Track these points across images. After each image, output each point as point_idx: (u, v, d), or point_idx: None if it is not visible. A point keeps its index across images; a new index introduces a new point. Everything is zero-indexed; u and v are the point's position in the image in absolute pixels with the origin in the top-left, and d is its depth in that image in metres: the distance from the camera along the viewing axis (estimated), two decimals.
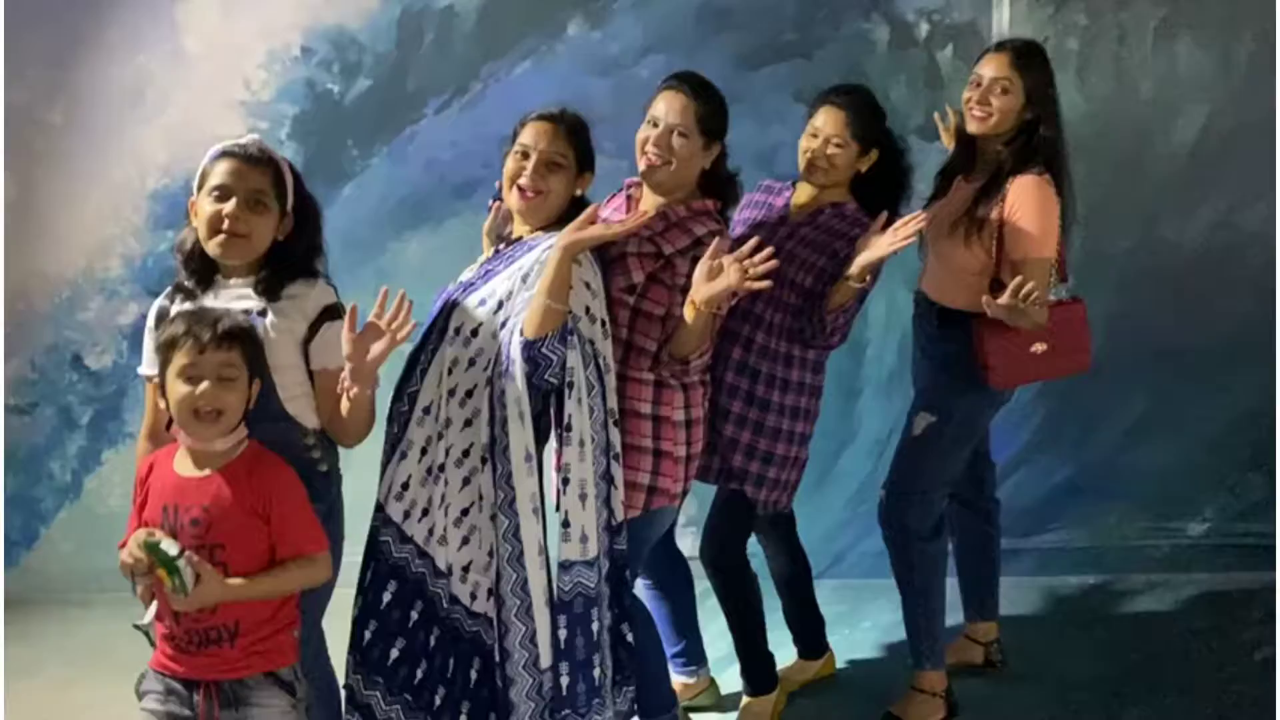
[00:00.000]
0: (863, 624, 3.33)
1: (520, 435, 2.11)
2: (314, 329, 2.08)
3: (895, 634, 3.19)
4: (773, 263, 2.15)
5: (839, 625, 3.20)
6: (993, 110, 2.60)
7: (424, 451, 2.17)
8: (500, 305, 2.17)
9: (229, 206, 2.02)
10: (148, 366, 2.14)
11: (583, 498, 2.15)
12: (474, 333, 2.17)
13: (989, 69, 2.63)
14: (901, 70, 3.49)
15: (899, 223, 2.39)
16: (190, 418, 1.82)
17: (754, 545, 2.84)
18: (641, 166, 2.34)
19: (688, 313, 2.19)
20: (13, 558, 3.89)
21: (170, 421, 1.97)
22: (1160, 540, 3.76)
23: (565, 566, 2.14)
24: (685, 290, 2.23)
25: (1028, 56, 2.64)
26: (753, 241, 2.18)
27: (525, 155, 2.23)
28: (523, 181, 2.22)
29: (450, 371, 2.17)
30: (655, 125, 2.32)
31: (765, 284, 2.16)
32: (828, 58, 3.49)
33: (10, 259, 3.70)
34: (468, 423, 2.17)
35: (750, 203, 2.72)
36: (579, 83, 3.51)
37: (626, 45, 3.54)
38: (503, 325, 2.15)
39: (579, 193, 2.29)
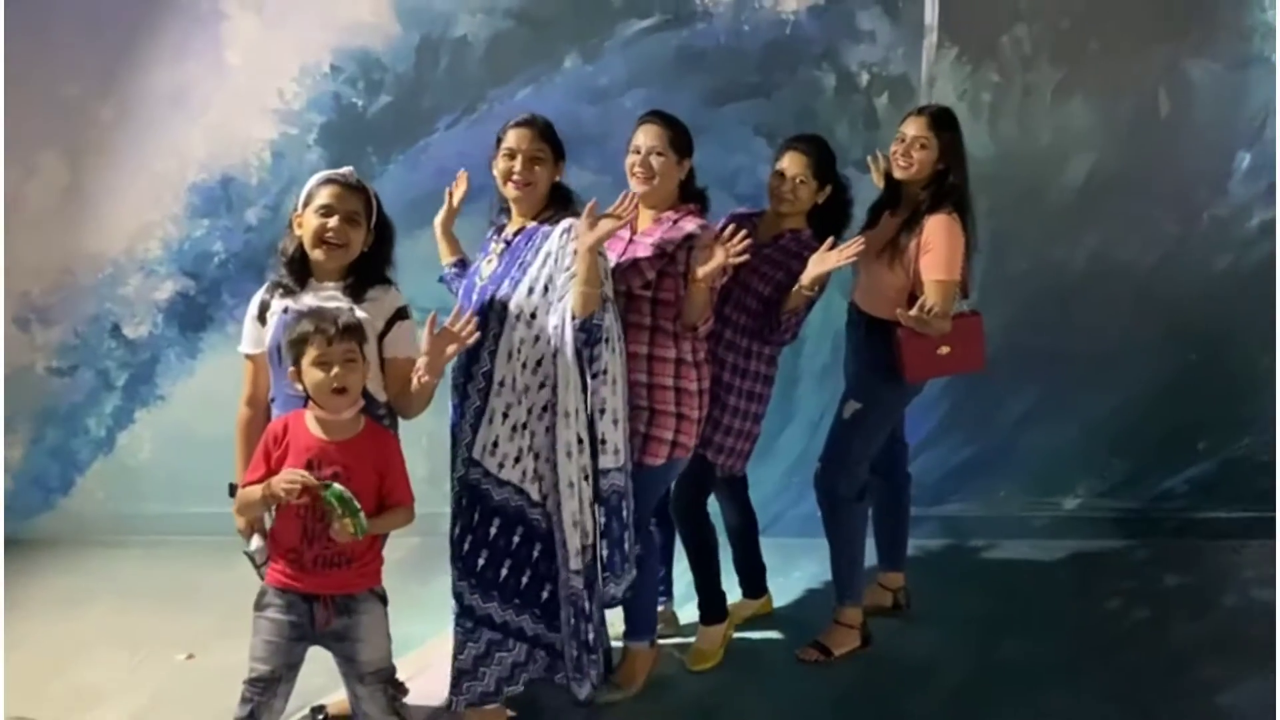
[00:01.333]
0: (794, 574, 3.94)
1: (565, 396, 2.71)
2: (388, 326, 2.64)
3: (820, 583, 3.88)
4: (748, 241, 2.78)
5: (774, 574, 3.77)
6: (914, 162, 3.20)
7: (505, 415, 2.75)
8: (545, 289, 2.74)
9: (332, 222, 2.57)
10: (249, 345, 2.69)
11: (615, 422, 2.77)
12: (533, 315, 2.74)
13: (911, 128, 3.22)
14: (845, 112, 4.06)
15: (843, 245, 3.01)
16: (329, 395, 2.36)
17: (713, 503, 3.46)
18: (634, 188, 2.93)
19: (691, 288, 2.82)
20: (50, 502, 4.36)
21: (269, 391, 2.59)
22: (1040, 512, 4.42)
23: (604, 473, 2.77)
24: (685, 274, 2.87)
25: (942, 119, 3.23)
26: (732, 226, 2.82)
27: (512, 155, 2.81)
28: (515, 176, 2.80)
29: (519, 349, 2.74)
30: (638, 152, 2.95)
31: (744, 258, 2.80)
32: (784, 99, 4.05)
33: (58, 238, 4.16)
34: (541, 385, 2.75)
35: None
36: (572, 109, 4.01)
37: (614, 79, 4.05)
38: (557, 300, 2.73)
39: (558, 179, 2.86)
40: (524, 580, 2.84)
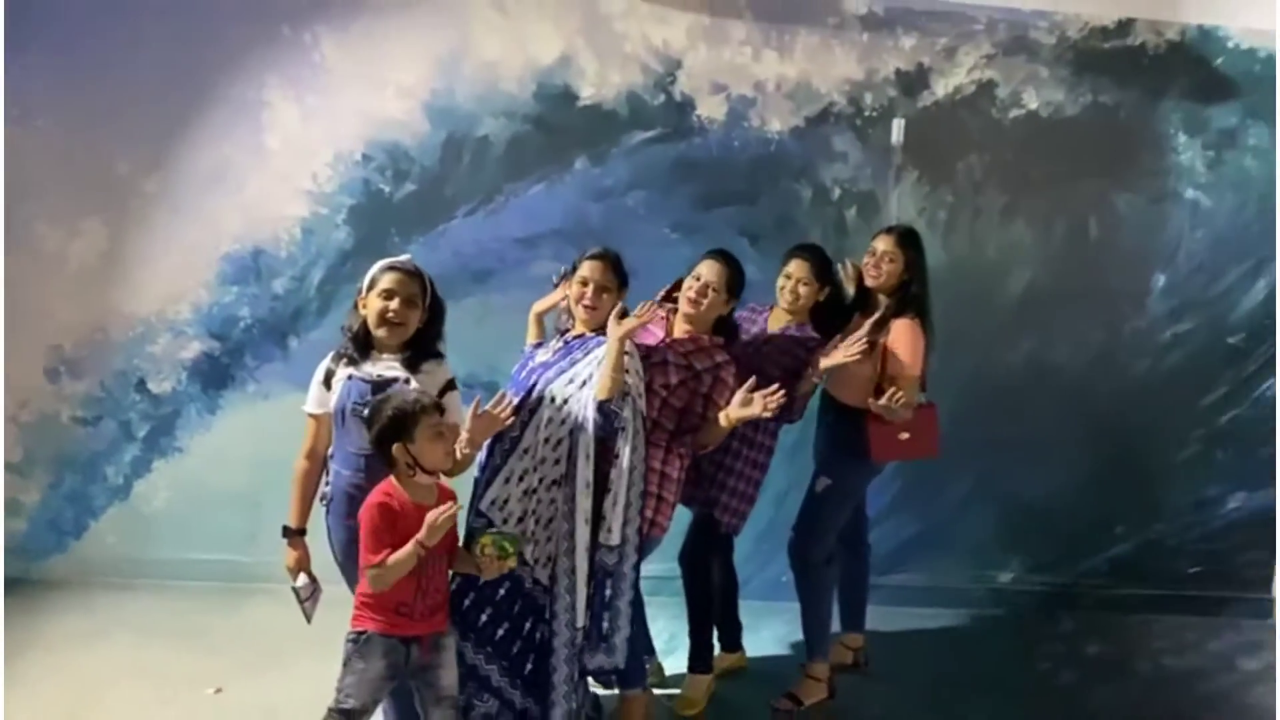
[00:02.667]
0: (762, 632, 4.32)
1: (584, 469, 3.09)
2: (440, 395, 3.04)
3: (785, 642, 4.30)
4: (781, 395, 3.20)
5: (746, 632, 4.17)
6: (883, 273, 3.69)
7: (521, 478, 3.13)
8: (584, 384, 3.15)
9: (394, 304, 2.96)
10: (314, 406, 3.03)
11: (614, 503, 3.10)
12: (565, 400, 3.14)
13: (882, 244, 3.72)
14: (818, 221, 4.57)
15: (847, 343, 3.46)
16: (444, 459, 2.76)
17: None
18: (683, 308, 3.38)
19: (723, 421, 3.23)
20: (62, 545, 4.60)
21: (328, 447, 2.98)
22: (978, 585, 4.90)
23: (596, 548, 3.12)
24: (706, 396, 3.29)
25: (909, 238, 3.74)
26: (775, 386, 3.21)
27: (585, 284, 3.23)
28: (586, 301, 3.22)
29: (545, 425, 3.14)
30: (698, 279, 3.38)
31: (772, 412, 3.21)
32: (766, 206, 4.56)
33: (94, 298, 4.46)
34: (556, 461, 3.14)
35: (740, 321, 3.75)
36: (580, 205, 4.49)
37: (617, 181, 4.52)
38: (582, 396, 3.13)
39: (620, 304, 3.27)
40: (499, 632, 3.14)
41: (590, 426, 3.10)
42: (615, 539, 3.14)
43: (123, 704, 3.56)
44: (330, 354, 3.08)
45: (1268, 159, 4.68)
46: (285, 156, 4.44)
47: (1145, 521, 4.94)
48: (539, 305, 3.58)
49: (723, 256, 3.44)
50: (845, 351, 3.47)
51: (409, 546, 2.65)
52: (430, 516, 2.66)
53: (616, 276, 3.26)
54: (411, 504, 2.72)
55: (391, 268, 3.03)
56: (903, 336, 3.63)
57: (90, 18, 4.32)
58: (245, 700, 3.63)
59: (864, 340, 3.49)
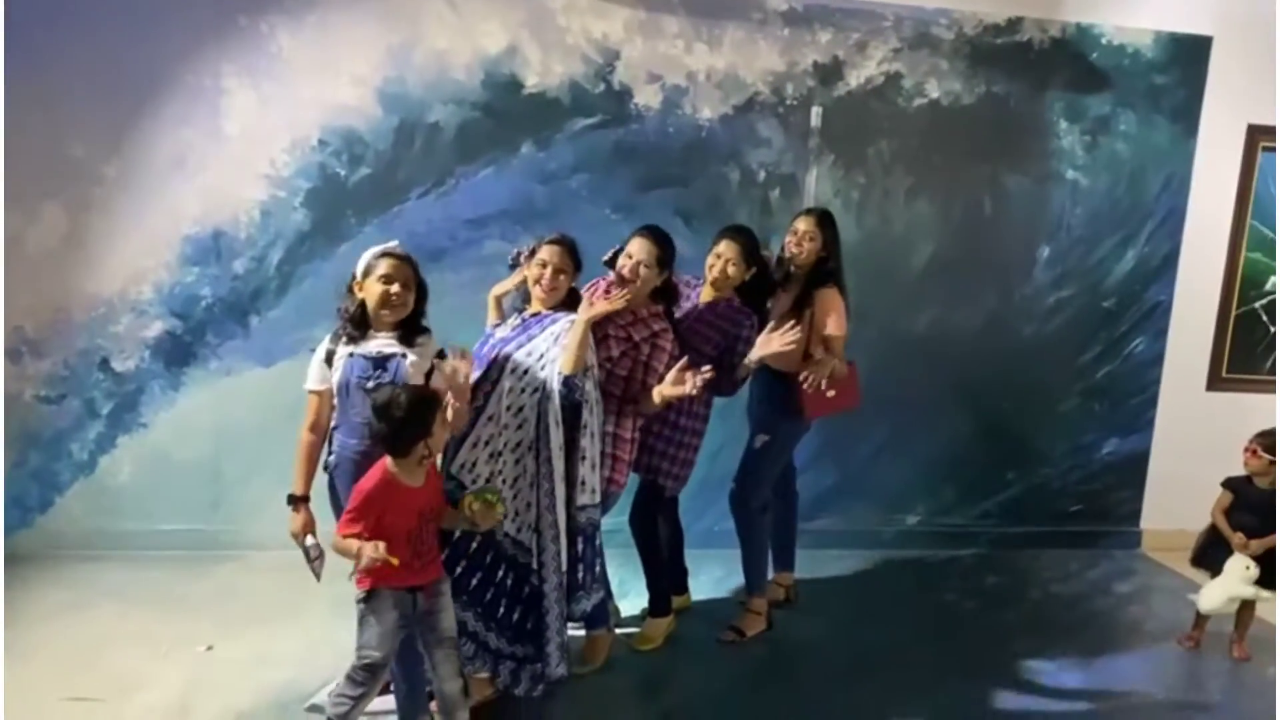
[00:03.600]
0: (700, 576, 4.76)
1: (556, 434, 3.42)
2: (432, 366, 3.35)
3: (724, 584, 4.75)
4: (709, 373, 3.56)
5: (688, 577, 4.62)
6: (804, 250, 4.12)
7: (487, 443, 3.46)
8: (542, 356, 3.49)
9: (395, 288, 3.25)
10: (315, 383, 3.30)
11: (592, 466, 3.47)
12: (526, 370, 3.46)
13: (802, 224, 4.14)
14: (745, 202, 4.95)
15: (782, 331, 3.80)
16: (443, 441, 3.06)
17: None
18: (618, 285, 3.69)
19: (656, 398, 3.57)
20: (27, 520, 4.71)
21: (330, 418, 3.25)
22: (889, 527, 5.43)
23: (581, 508, 3.47)
24: (646, 364, 3.64)
25: (826, 219, 4.16)
26: (706, 368, 3.55)
27: (544, 266, 3.53)
28: (543, 284, 3.52)
29: (508, 393, 3.48)
30: (630, 258, 3.68)
31: (698, 391, 3.57)
32: (698, 188, 4.91)
33: (55, 280, 4.56)
34: (519, 426, 3.45)
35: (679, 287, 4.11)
36: (526, 188, 4.77)
37: (561, 165, 4.80)
38: (542, 367, 3.47)
39: (573, 285, 3.63)
40: (489, 593, 3.46)
41: (556, 397, 3.43)
42: (596, 497, 3.51)
43: (120, 666, 3.77)
44: (328, 336, 3.33)
45: (1135, 143, 5.26)
46: (244, 142, 4.60)
47: (1032, 467, 5.53)
48: (498, 289, 3.85)
49: (650, 233, 3.69)
50: (781, 341, 3.78)
51: (375, 548, 2.81)
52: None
53: (573, 260, 3.56)
54: (405, 486, 2.99)
55: (387, 254, 3.29)
56: (829, 304, 4.05)
57: (49, 4, 4.40)
58: (236, 656, 3.88)
59: (795, 331, 3.81)
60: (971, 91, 5.11)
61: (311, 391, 3.33)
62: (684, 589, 4.52)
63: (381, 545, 2.82)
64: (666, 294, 3.83)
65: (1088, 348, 5.44)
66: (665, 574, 4.22)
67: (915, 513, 5.49)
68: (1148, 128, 5.26)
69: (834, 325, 4.05)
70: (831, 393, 4.08)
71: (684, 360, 3.57)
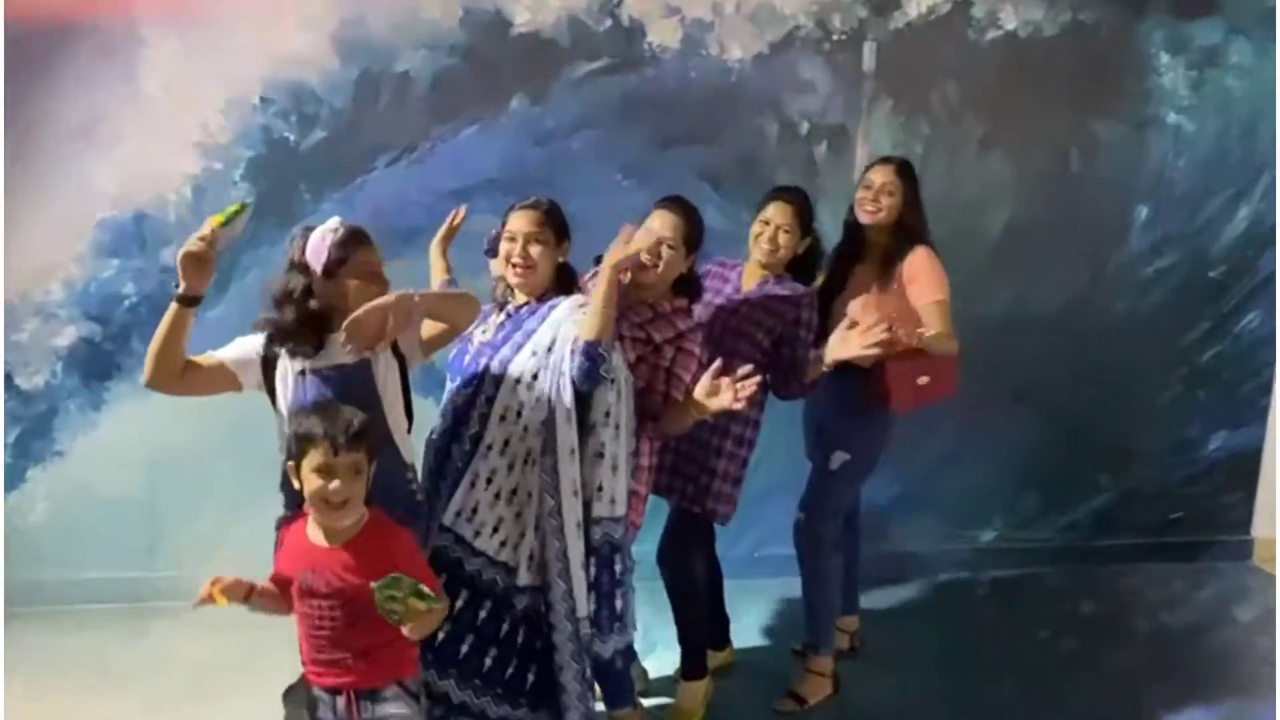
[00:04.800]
0: (743, 619, 3.93)
1: (567, 433, 2.63)
2: (399, 355, 2.57)
3: (771, 626, 3.96)
4: (755, 382, 2.74)
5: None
6: (881, 207, 3.33)
7: (489, 481, 2.65)
8: (550, 350, 2.66)
9: (375, 286, 2.47)
10: (232, 353, 2.52)
11: (614, 469, 2.70)
12: (534, 376, 2.65)
13: (879, 176, 3.36)
14: (785, 159, 4.13)
15: (867, 329, 2.98)
16: (322, 505, 2.20)
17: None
18: (636, 273, 2.84)
19: (683, 409, 2.78)
20: None
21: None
22: (960, 545, 4.63)
23: (596, 521, 2.69)
24: (669, 371, 2.83)
25: (907, 169, 3.39)
26: (748, 370, 2.75)
27: (513, 239, 2.74)
28: (516, 261, 2.73)
29: (518, 412, 2.65)
30: (649, 234, 2.84)
31: (744, 406, 2.75)
32: (727, 144, 4.09)
33: None
34: (544, 452, 2.65)
35: (708, 280, 3.29)
36: (518, 151, 3.96)
37: (562, 121, 3.99)
38: (550, 366, 2.66)
39: (561, 259, 2.80)
40: (487, 661, 2.72)
41: (568, 381, 2.62)
42: (620, 508, 2.74)
43: None
44: (264, 335, 2.51)
45: (1252, 78, 4.39)
46: (168, 103, 3.78)
47: (1126, 469, 4.71)
48: (437, 239, 3.21)
49: (677, 205, 2.95)
50: (864, 339, 2.99)
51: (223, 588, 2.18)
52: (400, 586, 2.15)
53: (551, 227, 2.76)
54: (310, 546, 2.26)
55: (367, 240, 2.54)
56: (922, 265, 3.33)
57: None
58: None
59: (881, 327, 3.02)
60: (1054, 21, 4.25)
61: (217, 357, 2.51)
62: (725, 641, 3.69)
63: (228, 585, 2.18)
64: (690, 286, 3.01)
65: (1191, 326, 4.61)
66: (704, 627, 3.38)
67: (991, 527, 4.68)
68: (1265, 60, 4.39)
69: (933, 288, 3.31)
70: (924, 379, 3.27)
71: (718, 364, 2.77)
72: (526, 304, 2.79)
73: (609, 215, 3.15)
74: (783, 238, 3.18)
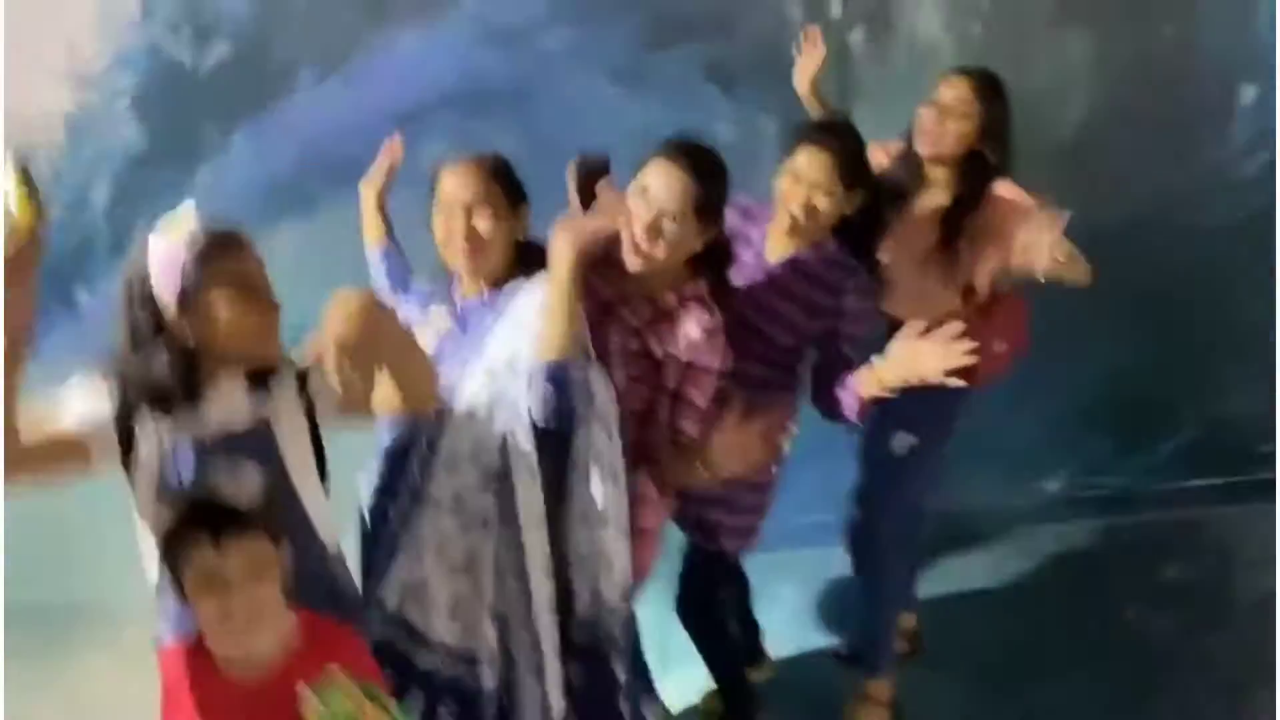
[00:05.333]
0: (770, 612, 3.26)
1: (531, 492, 1.96)
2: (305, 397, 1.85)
3: (807, 619, 3.38)
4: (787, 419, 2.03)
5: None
6: (947, 133, 2.59)
7: (440, 550, 1.99)
8: (510, 367, 1.98)
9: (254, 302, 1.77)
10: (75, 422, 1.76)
11: (607, 537, 2.02)
12: (489, 407, 1.98)
13: (950, 93, 2.62)
14: None
15: (943, 332, 2.13)
16: (222, 635, 1.55)
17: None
18: (628, 251, 2.05)
19: (700, 473, 2.08)
20: None
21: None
22: (1021, 499, 4.01)
23: (585, 621, 2.05)
24: (675, 396, 2.09)
25: (992, 87, 2.63)
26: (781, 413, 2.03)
27: (449, 211, 2.03)
28: (458, 241, 2.02)
29: (471, 458, 1.97)
30: (645, 198, 2.04)
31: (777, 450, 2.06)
32: (742, 35, 3.28)
33: None
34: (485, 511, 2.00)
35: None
36: (476, 56, 3.19)
37: (530, 14, 3.19)
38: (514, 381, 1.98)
39: (519, 236, 2.09)
40: None
41: (529, 414, 1.94)
42: (616, 596, 2.07)
43: None
44: (106, 384, 1.78)
45: None
46: (23, 25, 2.95)
47: (1213, 399, 4.02)
48: (371, 183, 2.58)
49: (683, 156, 2.05)
50: (941, 356, 2.11)
51: None
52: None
53: (501, 188, 2.05)
54: (218, 683, 1.64)
55: (229, 240, 1.80)
56: (1012, 194, 2.64)
57: None
58: None
59: (966, 345, 2.18)
60: None
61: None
62: (759, 653, 3.08)
63: None
64: (715, 260, 2.19)
65: None
66: (744, 678, 2.76)
67: (1056, 476, 4.04)
68: None
69: (1033, 215, 2.54)
70: (1000, 344, 2.67)
71: (734, 409, 2.09)
72: (476, 296, 2.09)
73: (595, 135, 2.52)
74: (821, 201, 2.29)
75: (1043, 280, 2.59)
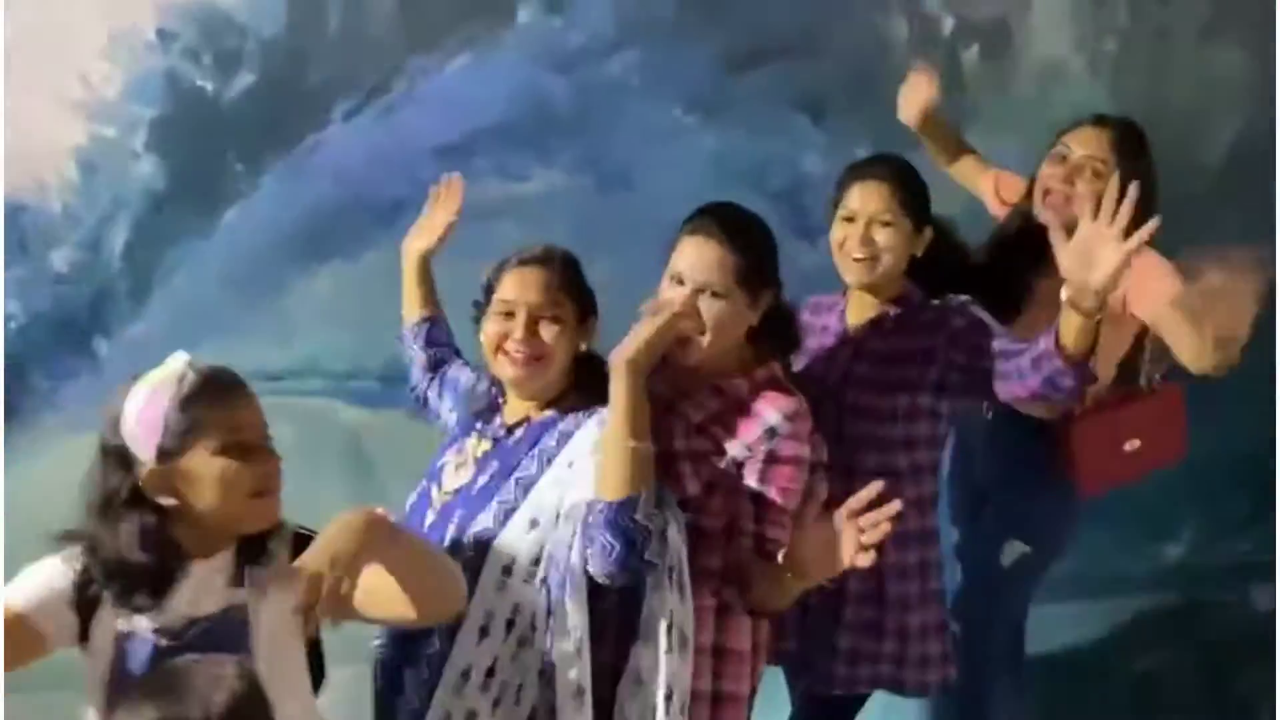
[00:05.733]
0: None
1: (573, 664, 1.66)
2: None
3: None
4: (888, 526, 1.66)
5: None
6: (1078, 197, 2.18)
7: None
8: (558, 520, 1.70)
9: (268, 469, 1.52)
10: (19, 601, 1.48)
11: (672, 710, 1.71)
12: (535, 563, 1.69)
13: (1082, 145, 2.26)
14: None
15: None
16: None
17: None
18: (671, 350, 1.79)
19: (790, 582, 1.74)
20: None
21: None
22: (1137, 565, 3.64)
23: None
24: (756, 500, 1.78)
25: (1132, 140, 2.27)
26: (871, 491, 1.67)
27: (509, 313, 1.77)
28: (512, 344, 1.74)
29: (507, 623, 1.68)
30: (679, 280, 1.79)
31: (871, 558, 1.69)
32: (835, 58, 3.04)
33: None
34: (517, 694, 1.70)
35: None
36: (532, 81, 3.00)
37: (595, 35, 3.00)
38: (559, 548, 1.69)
39: (584, 346, 1.82)
40: None
41: (582, 566, 1.66)
42: None
43: None
44: (62, 555, 1.52)
45: None
46: (30, 51, 2.75)
47: None
48: (418, 243, 2.19)
49: (716, 226, 1.80)
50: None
51: None
52: None
53: (570, 293, 1.81)
54: None
55: (235, 388, 1.53)
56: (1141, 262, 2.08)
57: None
58: None
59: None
60: None
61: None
62: None
63: None
64: (782, 334, 1.92)
65: None
66: None
67: (1178, 539, 3.67)
68: None
69: (1163, 278, 2.16)
70: (1134, 443, 2.35)
71: (805, 418, 1.81)
72: (523, 422, 1.81)
73: (667, 171, 2.64)
74: (882, 235, 2.06)
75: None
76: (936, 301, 2.14)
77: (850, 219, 2.08)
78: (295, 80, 2.92)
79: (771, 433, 1.77)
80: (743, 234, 1.81)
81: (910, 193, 2.11)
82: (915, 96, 2.55)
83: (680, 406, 1.82)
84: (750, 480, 1.78)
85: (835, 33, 3.03)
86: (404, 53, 2.94)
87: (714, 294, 1.76)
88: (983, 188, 2.55)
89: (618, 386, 1.65)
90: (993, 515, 2.46)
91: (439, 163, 2.84)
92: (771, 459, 1.77)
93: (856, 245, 2.06)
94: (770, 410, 1.78)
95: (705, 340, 1.77)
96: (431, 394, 2.08)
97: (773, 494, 1.78)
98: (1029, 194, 2.34)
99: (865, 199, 2.08)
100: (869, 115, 2.87)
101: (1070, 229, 2.15)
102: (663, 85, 3.05)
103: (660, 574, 1.66)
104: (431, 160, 2.89)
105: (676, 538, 1.68)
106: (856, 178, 2.12)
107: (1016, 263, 2.31)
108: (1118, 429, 2.30)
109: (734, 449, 1.78)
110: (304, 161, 2.94)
